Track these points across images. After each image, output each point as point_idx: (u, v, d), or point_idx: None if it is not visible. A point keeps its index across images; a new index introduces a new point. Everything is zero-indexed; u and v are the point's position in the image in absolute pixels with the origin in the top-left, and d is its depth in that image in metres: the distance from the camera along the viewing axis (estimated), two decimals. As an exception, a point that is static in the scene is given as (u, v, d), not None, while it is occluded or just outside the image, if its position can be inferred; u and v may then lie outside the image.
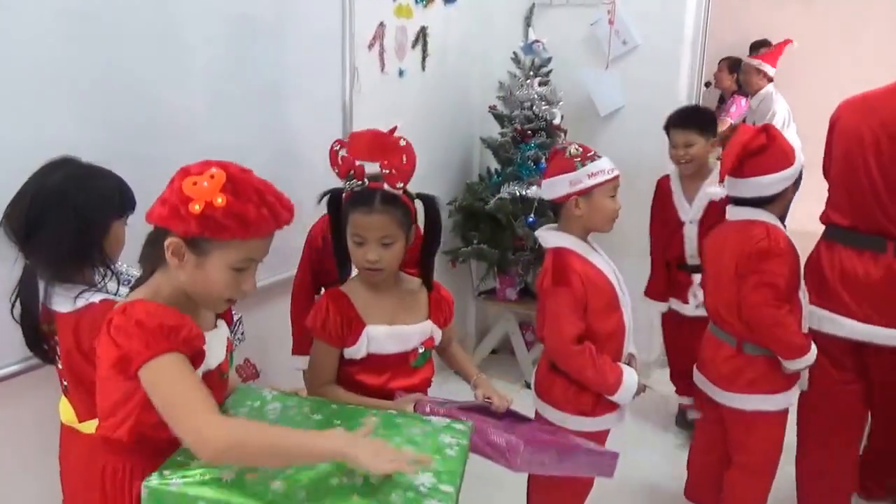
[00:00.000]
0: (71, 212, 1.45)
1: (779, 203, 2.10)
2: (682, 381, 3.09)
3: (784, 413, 2.17)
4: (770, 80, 4.99)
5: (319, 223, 2.26)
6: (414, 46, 3.20)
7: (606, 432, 2.05)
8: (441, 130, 3.59)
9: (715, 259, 2.21)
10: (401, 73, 3.13)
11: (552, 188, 1.98)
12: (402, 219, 1.62)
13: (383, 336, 1.67)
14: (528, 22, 3.71)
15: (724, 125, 5.13)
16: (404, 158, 1.64)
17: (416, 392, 1.69)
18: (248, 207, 1.19)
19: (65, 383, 1.57)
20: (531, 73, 3.52)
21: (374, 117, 2.59)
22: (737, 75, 5.46)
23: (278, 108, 2.49)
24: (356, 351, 1.66)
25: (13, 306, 1.55)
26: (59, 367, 1.57)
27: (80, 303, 1.46)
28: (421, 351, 1.72)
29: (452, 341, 1.88)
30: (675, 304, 3.06)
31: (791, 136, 4.66)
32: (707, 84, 5.53)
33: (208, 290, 1.25)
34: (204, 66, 2.16)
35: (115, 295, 1.50)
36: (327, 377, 1.68)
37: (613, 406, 1.99)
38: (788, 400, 2.16)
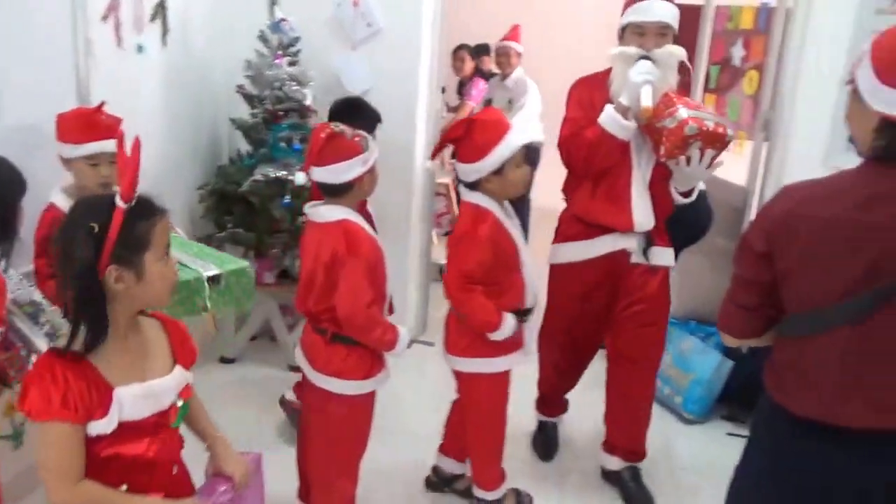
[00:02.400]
0: None
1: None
2: None
3: (502, 374, 2.38)
4: (519, 56, 5.21)
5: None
6: (153, 20, 2.99)
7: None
8: (187, 111, 3.41)
9: None
10: (139, 48, 2.91)
11: (346, 171, 2.04)
12: None
13: (136, 397, 1.39)
14: (272, 0, 3.65)
15: (466, 108, 5.50)
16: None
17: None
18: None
19: None
20: (279, 52, 3.48)
21: (111, 97, 2.39)
22: (476, 62, 5.83)
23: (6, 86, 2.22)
24: (107, 424, 1.35)
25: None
26: None
27: None
28: (180, 405, 1.50)
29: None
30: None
31: (537, 120, 5.10)
32: (443, 89, 5.89)
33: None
34: None
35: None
36: (79, 469, 1.34)
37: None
38: (506, 364, 2.37)
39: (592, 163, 2.44)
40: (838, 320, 1.34)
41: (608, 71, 2.48)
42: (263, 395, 3.34)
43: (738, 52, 3.72)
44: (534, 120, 5.14)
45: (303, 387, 2.27)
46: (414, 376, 3.55)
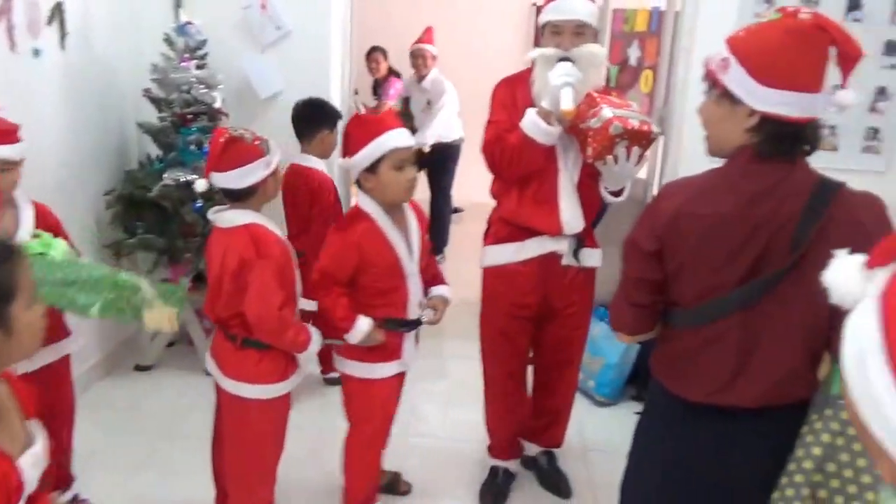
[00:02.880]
0: None
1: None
2: None
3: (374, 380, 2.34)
4: (435, 59, 5.28)
5: None
6: (50, 23, 2.91)
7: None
8: (90, 115, 3.33)
9: None
10: (36, 52, 2.83)
11: (248, 176, 2.05)
12: None
13: (30, 467, 1.20)
14: (177, 2, 3.61)
15: (385, 108, 5.55)
16: None
17: None
18: None
19: None
20: (186, 55, 3.44)
21: (6, 102, 2.33)
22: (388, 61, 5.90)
23: None
24: None
25: None
26: None
27: None
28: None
29: None
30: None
31: (456, 118, 5.19)
32: (356, 91, 5.91)
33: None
34: None
35: None
36: None
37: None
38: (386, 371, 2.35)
39: (517, 168, 2.39)
40: (732, 308, 1.43)
41: (531, 69, 2.45)
42: (182, 401, 3.31)
43: (634, 53, 3.92)
44: (453, 119, 5.25)
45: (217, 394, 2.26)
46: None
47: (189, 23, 3.45)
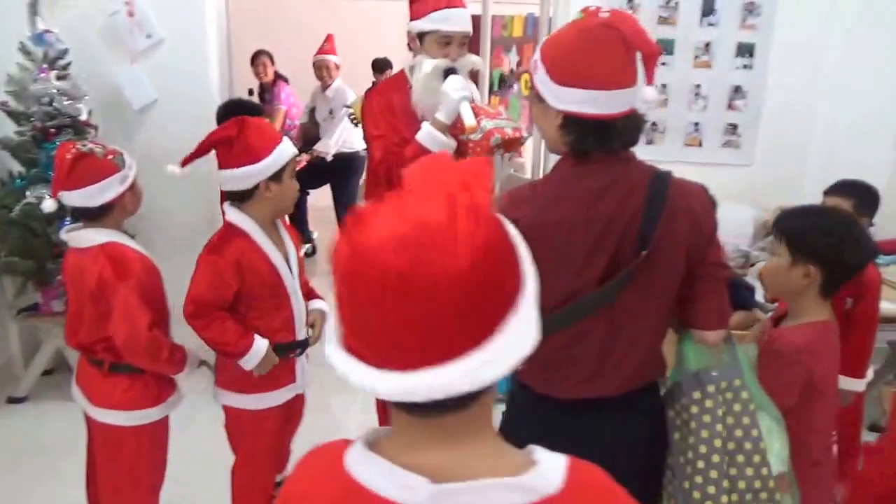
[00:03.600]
0: None
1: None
2: None
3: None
4: (338, 68, 5.30)
5: None
6: None
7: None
8: (-63, 131, 3.07)
9: None
10: None
11: (102, 193, 1.95)
12: None
13: None
14: (33, 9, 3.38)
15: (280, 113, 5.44)
16: None
17: None
18: None
19: None
20: (45, 65, 3.24)
21: None
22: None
23: None
24: None
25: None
26: None
27: None
28: None
29: None
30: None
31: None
32: (250, 91, 5.76)
33: None
34: None
35: None
36: None
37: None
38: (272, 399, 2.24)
39: None
40: (595, 306, 1.47)
41: (401, 74, 2.46)
42: (60, 436, 3.10)
43: (513, 58, 4.03)
44: (357, 129, 5.22)
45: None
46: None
47: (48, 31, 3.25)
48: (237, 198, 2.05)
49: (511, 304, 0.68)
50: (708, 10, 3.50)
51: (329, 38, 5.37)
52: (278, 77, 5.74)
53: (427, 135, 2.31)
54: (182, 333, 2.09)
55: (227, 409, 2.20)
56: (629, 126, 1.43)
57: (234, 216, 2.04)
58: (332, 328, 0.73)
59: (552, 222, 1.44)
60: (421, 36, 2.36)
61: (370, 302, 0.65)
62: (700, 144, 3.67)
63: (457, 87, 2.26)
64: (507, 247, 0.70)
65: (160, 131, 3.57)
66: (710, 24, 3.52)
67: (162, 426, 2.11)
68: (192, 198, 3.60)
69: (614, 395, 1.54)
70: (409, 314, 0.64)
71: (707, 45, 3.55)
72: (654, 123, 3.61)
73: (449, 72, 2.30)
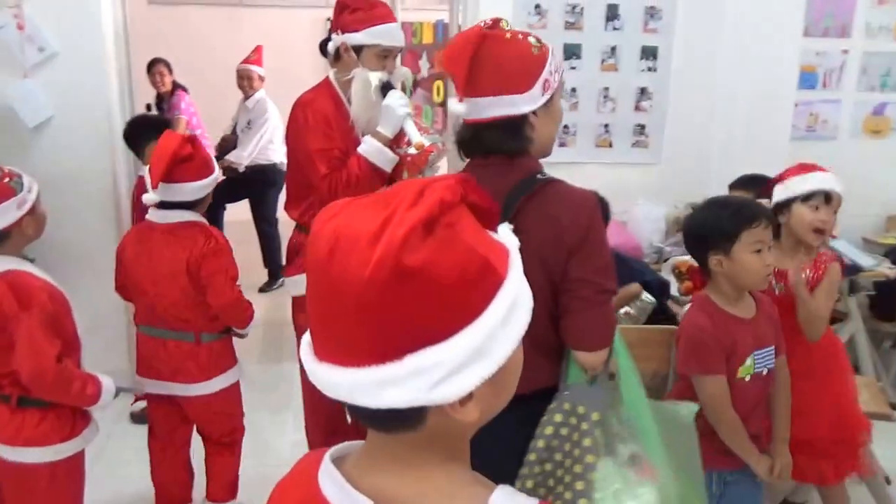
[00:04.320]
0: None
1: (201, 205, 2.32)
2: None
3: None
4: (262, 80, 5.18)
5: None
6: None
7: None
8: None
9: (149, 262, 2.27)
10: None
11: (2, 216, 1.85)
12: None
13: None
14: None
15: (181, 123, 5.25)
16: None
17: None
18: None
19: None
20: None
21: None
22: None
23: None
24: None
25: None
26: None
27: None
28: None
29: None
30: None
31: (279, 141, 5.01)
32: (148, 106, 5.55)
33: None
34: None
35: None
36: None
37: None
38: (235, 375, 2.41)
39: (357, 194, 2.38)
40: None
41: (326, 84, 2.44)
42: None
43: (424, 65, 4.05)
44: (274, 142, 5.11)
45: None
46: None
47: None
48: (189, 207, 2.23)
49: (433, 337, 0.64)
50: (612, 14, 3.62)
51: (257, 49, 5.25)
52: (177, 86, 5.55)
53: (372, 149, 2.31)
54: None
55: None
56: (488, 132, 1.51)
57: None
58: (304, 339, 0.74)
59: None
60: (357, 49, 2.34)
61: (309, 284, 0.68)
62: (610, 145, 3.78)
63: (401, 102, 2.29)
64: (448, 281, 0.64)
65: (58, 150, 3.39)
66: (615, 29, 3.64)
67: (77, 461, 2.00)
68: (92, 220, 3.45)
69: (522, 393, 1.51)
70: (322, 306, 0.67)
71: (613, 48, 3.66)
72: (566, 126, 3.70)
73: (386, 85, 2.31)
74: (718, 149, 3.88)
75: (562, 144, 3.71)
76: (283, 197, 2.68)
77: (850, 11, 3.90)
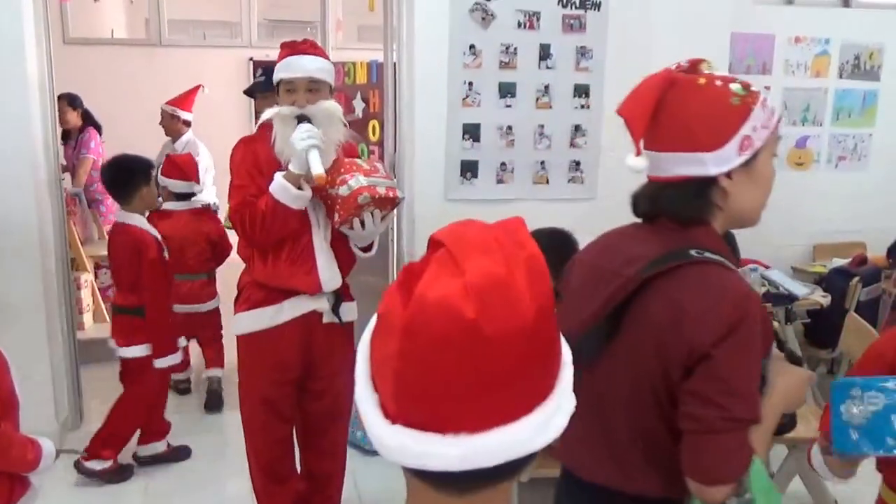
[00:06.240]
0: None
1: None
2: None
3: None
4: (188, 125, 4.94)
5: None
6: None
7: None
8: None
9: None
10: None
11: None
12: None
13: None
14: None
15: (87, 162, 5.05)
16: None
17: None
18: None
19: None
20: None
21: None
22: (80, 110, 5.35)
23: None
24: None
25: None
26: None
27: None
28: None
29: None
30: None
31: (209, 181, 4.86)
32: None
33: None
34: None
35: None
36: None
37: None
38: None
39: (270, 233, 2.33)
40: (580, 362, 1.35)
41: (269, 125, 2.40)
42: None
43: (359, 105, 4.02)
44: (207, 182, 4.94)
45: None
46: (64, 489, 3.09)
47: None
48: None
49: (560, 363, 0.67)
50: (545, 54, 3.67)
51: (194, 91, 5.06)
52: (89, 123, 5.33)
53: (279, 187, 2.29)
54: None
55: None
56: (661, 192, 1.34)
57: None
58: (365, 400, 0.68)
59: (579, 261, 1.45)
60: (277, 87, 2.39)
61: (433, 356, 0.61)
62: (547, 182, 3.80)
63: (303, 136, 2.21)
64: (553, 304, 0.66)
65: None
66: (548, 68, 3.69)
67: None
68: (17, 270, 3.27)
69: (620, 490, 1.29)
70: (475, 366, 0.61)
71: (546, 87, 3.71)
72: (503, 163, 3.71)
73: (301, 119, 2.26)
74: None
75: (499, 181, 3.72)
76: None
77: (770, 50, 4.08)
